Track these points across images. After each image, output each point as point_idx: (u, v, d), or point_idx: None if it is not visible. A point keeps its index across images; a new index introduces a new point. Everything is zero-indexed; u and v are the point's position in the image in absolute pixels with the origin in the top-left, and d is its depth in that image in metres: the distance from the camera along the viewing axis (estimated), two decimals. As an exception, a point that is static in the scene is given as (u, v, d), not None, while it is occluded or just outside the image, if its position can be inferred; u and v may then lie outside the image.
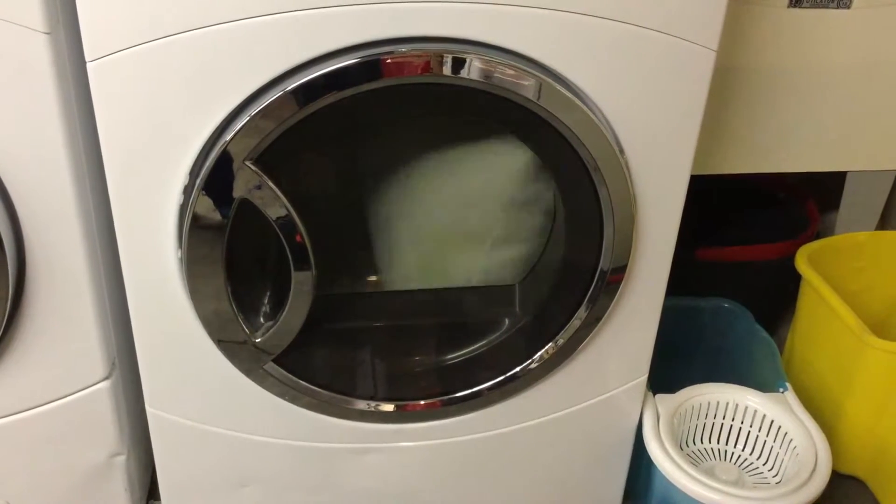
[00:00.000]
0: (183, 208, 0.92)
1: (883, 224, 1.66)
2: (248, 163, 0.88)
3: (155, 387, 1.06)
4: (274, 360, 1.02)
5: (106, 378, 1.08)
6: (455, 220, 1.12)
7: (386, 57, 0.85)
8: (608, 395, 1.15)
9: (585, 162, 0.94)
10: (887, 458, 1.31)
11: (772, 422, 1.22)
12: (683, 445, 1.26)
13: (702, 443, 1.27)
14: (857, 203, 1.66)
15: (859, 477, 1.38)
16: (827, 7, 1.09)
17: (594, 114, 0.91)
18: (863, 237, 1.45)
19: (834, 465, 1.15)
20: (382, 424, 1.10)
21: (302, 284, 0.97)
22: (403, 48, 0.86)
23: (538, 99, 0.89)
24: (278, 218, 0.92)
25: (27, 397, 1.07)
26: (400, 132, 1.05)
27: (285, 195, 0.91)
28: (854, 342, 1.27)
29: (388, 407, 1.08)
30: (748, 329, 1.38)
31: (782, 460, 1.21)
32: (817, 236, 1.53)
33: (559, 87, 0.89)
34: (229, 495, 1.16)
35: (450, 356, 1.11)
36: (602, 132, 0.92)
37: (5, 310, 0.97)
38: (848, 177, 1.66)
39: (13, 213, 0.94)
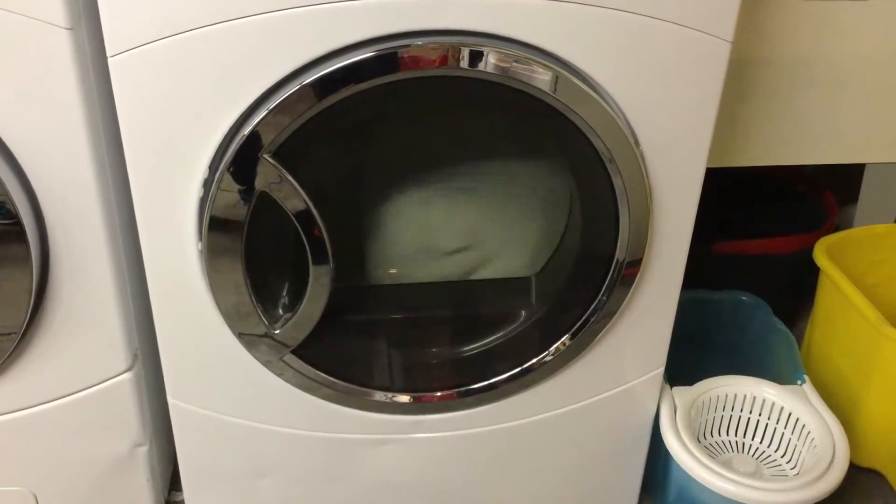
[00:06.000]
0: (203, 202, 0.93)
1: (902, 216, 1.65)
2: (266, 156, 0.89)
3: (176, 378, 1.08)
4: (293, 352, 1.03)
5: (128, 370, 1.09)
6: (472, 212, 1.12)
7: (403, 50, 0.86)
8: (625, 387, 1.15)
9: (601, 154, 0.94)
10: (906, 451, 1.31)
11: (789, 414, 1.22)
12: (701, 438, 1.25)
13: (719, 435, 1.27)
14: (875, 195, 1.65)
15: (878, 469, 1.37)
16: (844, -3, 1.09)
17: (609, 106, 0.92)
18: (881, 229, 1.44)
19: (852, 457, 1.15)
20: (400, 416, 1.11)
21: (320, 277, 0.98)
22: (420, 41, 0.86)
23: (554, 91, 0.89)
24: (297, 212, 0.93)
25: (50, 389, 1.08)
26: (416, 125, 1.06)
27: (303, 188, 0.92)
28: (872, 334, 1.26)
29: (405, 398, 1.09)
30: (766, 322, 1.38)
31: (800, 452, 1.21)
32: (836, 229, 1.52)
33: (575, 80, 0.89)
34: (249, 485, 1.17)
35: (466, 348, 1.11)
36: (617, 124, 0.92)
37: (29, 303, 0.98)
38: (866, 169, 1.65)
39: (37, 206, 0.95)
